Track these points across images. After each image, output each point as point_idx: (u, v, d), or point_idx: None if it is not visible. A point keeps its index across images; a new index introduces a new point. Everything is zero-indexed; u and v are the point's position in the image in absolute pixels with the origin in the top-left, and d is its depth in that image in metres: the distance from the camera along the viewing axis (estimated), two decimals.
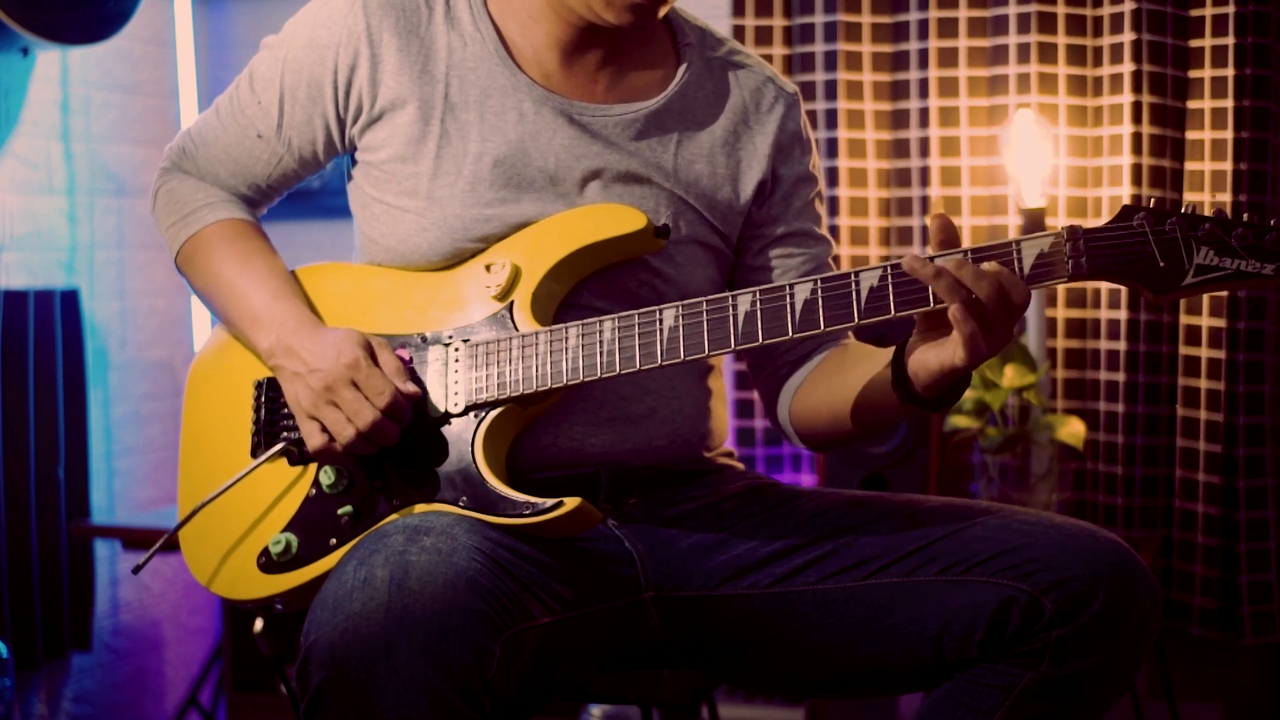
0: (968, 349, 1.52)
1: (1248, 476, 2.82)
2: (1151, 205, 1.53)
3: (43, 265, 3.23)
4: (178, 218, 1.86)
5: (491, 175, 1.74)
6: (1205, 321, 2.85)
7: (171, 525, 1.77)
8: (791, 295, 1.59)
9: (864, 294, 1.56)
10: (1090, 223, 2.92)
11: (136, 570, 1.79)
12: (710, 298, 1.62)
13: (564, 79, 1.78)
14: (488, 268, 1.72)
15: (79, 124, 3.33)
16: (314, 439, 1.66)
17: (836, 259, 1.91)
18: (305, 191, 3.58)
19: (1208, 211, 1.52)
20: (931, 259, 1.53)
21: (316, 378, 1.66)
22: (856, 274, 1.57)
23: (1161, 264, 1.51)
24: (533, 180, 1.75)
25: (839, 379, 1.76)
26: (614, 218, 1.73)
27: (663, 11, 1.72)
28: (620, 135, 1.77)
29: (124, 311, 3.46)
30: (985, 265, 1.52)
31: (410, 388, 1.65)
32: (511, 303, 1.71)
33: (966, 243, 1.48)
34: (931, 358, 1.57)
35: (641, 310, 1.65)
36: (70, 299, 3.21)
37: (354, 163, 1.83)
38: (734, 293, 1.62)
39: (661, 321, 1.63)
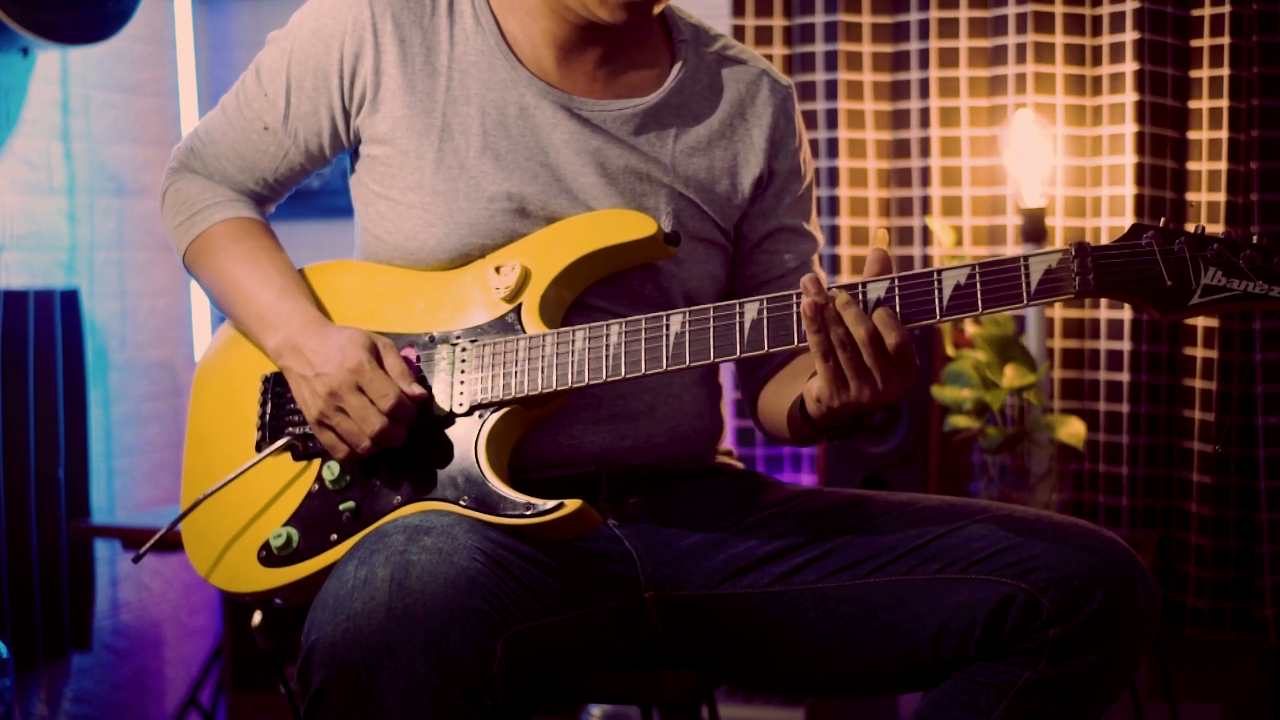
0: (831, 388, 1.55)
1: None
2: (1161, 225, 1.52)
3: (43, 265, 3.23)
4: (185, 217, 1.86)
5: (495, 169, 1.74)
6: (1200, 322, 2.85)
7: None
8: (799, 305, 1.58)
9: (870, 305, 1.55)
10: (1093, 222, 2.93)
11: (137, 559, 1.80)
12: (717, 305, 1.62)
13: (563, 75, 1.78)
14: (497, 269, 1.72)
15: (79, 124, 3.33)
16: (339, 451, 1.67)
17: (836, 255, 1.91)
18: (305, 191, 3.58)
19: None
20: (830, 288, 1.54)
21: (321, 382, 1.66)
22: (863, 285, 1.56)
23: (1169, 283, 1.50)
24: (535, 174, 1.75)
25: (789, 387, 1.77)
26: (624, 223, 1.72)
27: (658, 9, 1.72)
28: (620, 130, 1.77)
29: (124, 311, 3.46)
30: (878, 313, 1.53)
31: (416, 389, 1.66)
32: (520, 305, 1.71)
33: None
34: (812, 385, 1.59)
35: (649, 315, 1.65)
36: (70, 299, 3.21)
37: (356, 156, 1.83)
38: (741, 300, 1.61)
39: (668, 327, 1.63)
